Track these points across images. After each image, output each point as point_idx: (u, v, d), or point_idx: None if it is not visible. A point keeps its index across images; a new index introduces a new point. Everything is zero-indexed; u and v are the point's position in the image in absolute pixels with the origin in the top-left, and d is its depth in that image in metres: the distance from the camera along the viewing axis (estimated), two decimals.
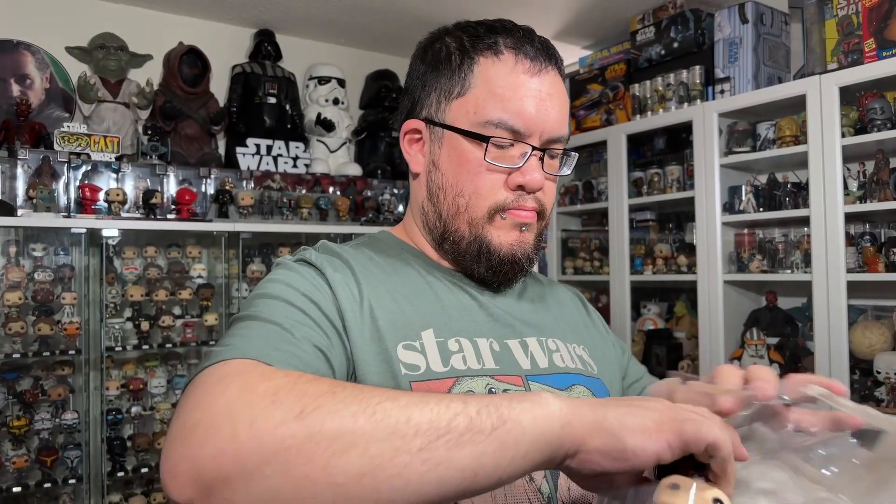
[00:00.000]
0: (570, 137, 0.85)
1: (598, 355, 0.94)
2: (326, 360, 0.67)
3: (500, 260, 0.82)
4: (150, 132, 2.79)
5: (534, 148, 0.79)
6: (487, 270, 0.83)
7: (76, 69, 2.79)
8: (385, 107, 3.36)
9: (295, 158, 3.16)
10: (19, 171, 2.51)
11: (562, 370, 0.84)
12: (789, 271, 2.38)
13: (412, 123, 0.86)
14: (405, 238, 0.91)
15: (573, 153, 0.86)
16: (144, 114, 2.87)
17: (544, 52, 0.82)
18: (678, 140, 2.83)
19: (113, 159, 2.66)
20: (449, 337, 0.78)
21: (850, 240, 2.19)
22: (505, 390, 0.76)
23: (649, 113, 2.84)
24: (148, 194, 2.66)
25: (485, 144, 0.79)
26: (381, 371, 0.73)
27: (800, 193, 2.35)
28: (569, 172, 0.87)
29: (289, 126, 3.19)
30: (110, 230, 2.50)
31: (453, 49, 0.83)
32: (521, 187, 0.80)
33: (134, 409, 2.59)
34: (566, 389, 0.82)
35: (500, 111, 0.78)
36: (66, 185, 2.57)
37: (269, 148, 3.10)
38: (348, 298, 0.75)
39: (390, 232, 0.94)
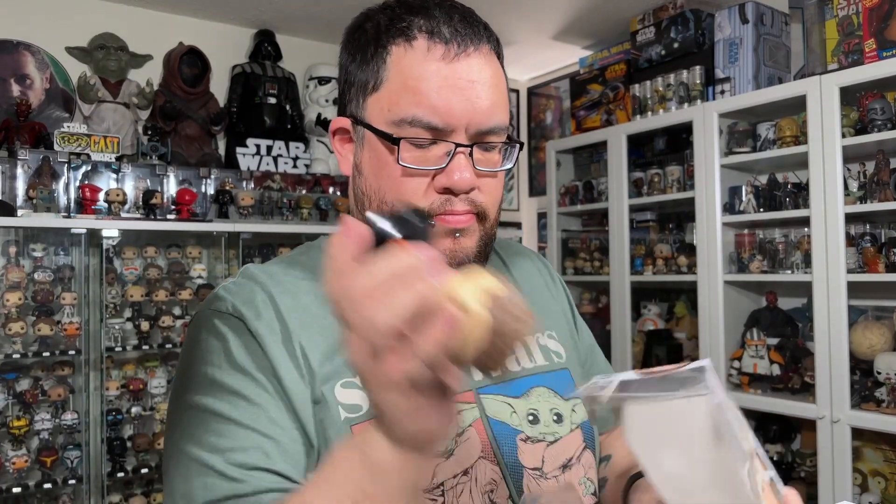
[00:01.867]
0: (510, 125, 0.74)
1: (566, 338, 0.89)
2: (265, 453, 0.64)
3: None
4: (150, 132, 2.78)
5: (458, 145, 0.69)
6: None
7: (76, 69, 2.79)
8: None
9: (295, 159, 3.16)
10: (19, 171, 2.51)
11: (516, 374, 0.79)
12: (789, 272, 2.38)
13: (340, 122, 0.78)
14: None
15: (516, 143, 0.75)
16: (144, 114, 2.86)
17: (465, 32, 0.70)
18: (678, 140, 2.83)
19: (113, 159, 2.65)
20: None
21: (851, 240, 2.18)
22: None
23: (649, 113, 2.84)
24: (148, 194, 2.66)
25: (396, 147, 0.69)
26: (320, 420, 0.68)
27: (800, 194, 2.35)
28: (511, 165, 0.75)
29: (289, 126, 3.19)
30: (110, 230, 2.49)
31: (370, 37, 0.73)
32: (448, 190, 0.70)
33: (134, 410, 2.59)
34: (522, 395, 0.78)
35: (414, 107, 0.68)
36: (66, 186, 2.57)
37: (270, 148, 3.10)
38: (276, 343, 0.68)
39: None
